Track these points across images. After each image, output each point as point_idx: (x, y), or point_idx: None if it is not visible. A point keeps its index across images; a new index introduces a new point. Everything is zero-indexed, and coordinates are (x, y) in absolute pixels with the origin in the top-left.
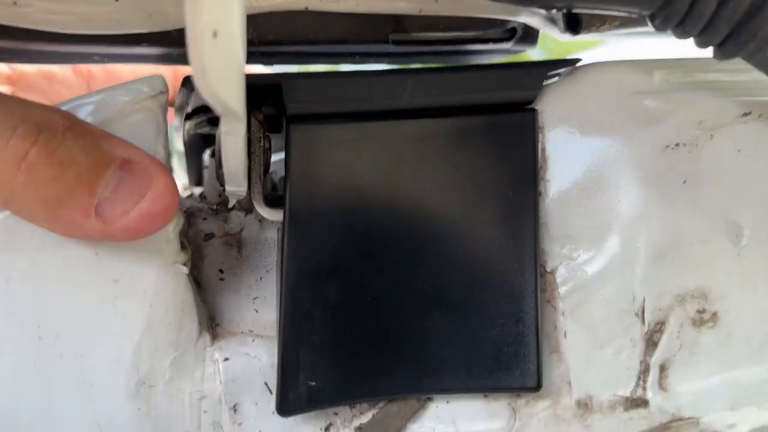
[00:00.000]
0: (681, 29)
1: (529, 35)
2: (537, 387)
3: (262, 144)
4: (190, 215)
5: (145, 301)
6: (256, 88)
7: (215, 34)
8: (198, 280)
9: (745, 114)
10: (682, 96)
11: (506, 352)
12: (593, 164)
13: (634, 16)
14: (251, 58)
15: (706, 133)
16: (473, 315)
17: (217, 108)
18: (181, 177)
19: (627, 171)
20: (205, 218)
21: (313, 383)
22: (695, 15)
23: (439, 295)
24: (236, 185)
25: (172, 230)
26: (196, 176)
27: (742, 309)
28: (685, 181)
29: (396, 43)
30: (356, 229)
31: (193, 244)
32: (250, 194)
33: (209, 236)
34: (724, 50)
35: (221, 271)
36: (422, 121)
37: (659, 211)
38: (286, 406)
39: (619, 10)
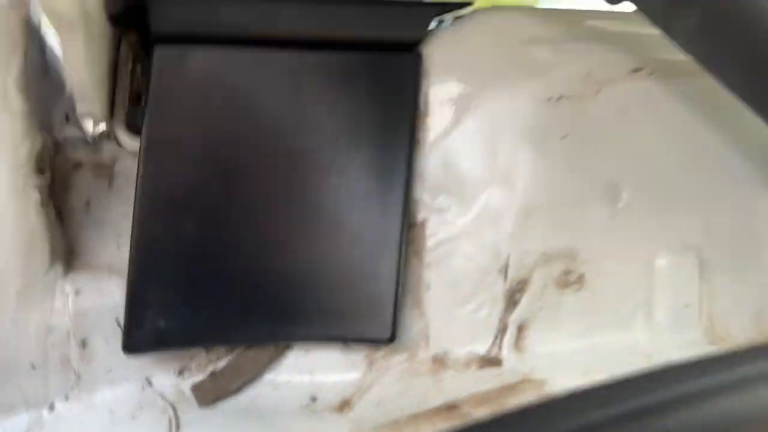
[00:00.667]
0: None
1: None
2: (390, 339)
3: (129, 66)
4: (59, 142)
5: None
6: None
7: None
8: (60, 210)
9: (636, 70)
10: (571, 47)
11: (363, 301)
12: (475, 115)
13: None
14: None
15: (593, 88)
16: (334, 262)
17: (48, 15)
18: None
19: (507, 123)
20: (75, 147)
21: (162, 323)
22: None
23: (301, 239)
24: (87, 105)
25: (25, 153)
26: None
27: (611, 274)
28: (564, 137)
29: None
30: (218, 162)
31: (59, 172)
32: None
33: (77, 165)
34: None
35: (88, 203)
36: (298, 53)
37: (535, 166)
38: (131, 344)
39: None
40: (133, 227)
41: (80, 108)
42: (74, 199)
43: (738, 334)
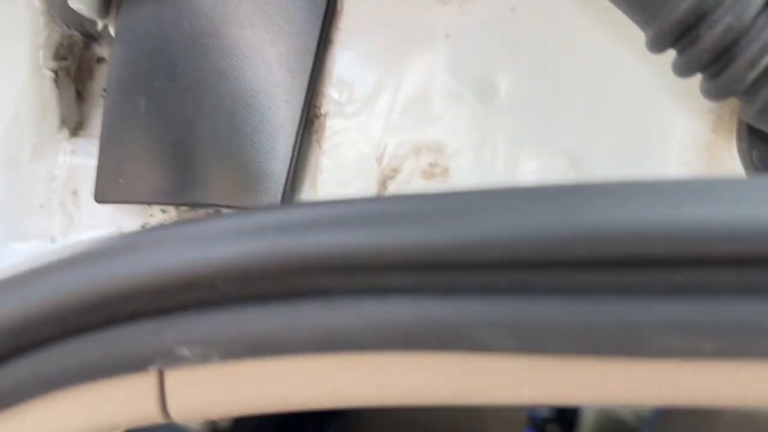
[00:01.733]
0: None
1: None
2: None
3: None
4: (89, 38)
5: (13, 93)
6: None
7: None
8: (80, 92)
9: None
10: None
11: (263, 178)
12: (380, 16)
13: None
14: None
15: None
16: (243, 142)
17: None
18: None
19: (401, 22)
20: (101, 45)
21: (122, 180)
22: None
23: (219, 120)
24: (82, 3)
25: (42, 41)
26: None
27: (474, 169)
28: (447, 35)
29: None
30: (166, 57)
31: (85, 62)
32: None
33: (101, 60)
34: None
35: (104, 89)
36: None
37: (417, 64)
38: (99, 196)
39: None
40: (104, 104)
41: (72, 3)
42: (93, 85)
43: None
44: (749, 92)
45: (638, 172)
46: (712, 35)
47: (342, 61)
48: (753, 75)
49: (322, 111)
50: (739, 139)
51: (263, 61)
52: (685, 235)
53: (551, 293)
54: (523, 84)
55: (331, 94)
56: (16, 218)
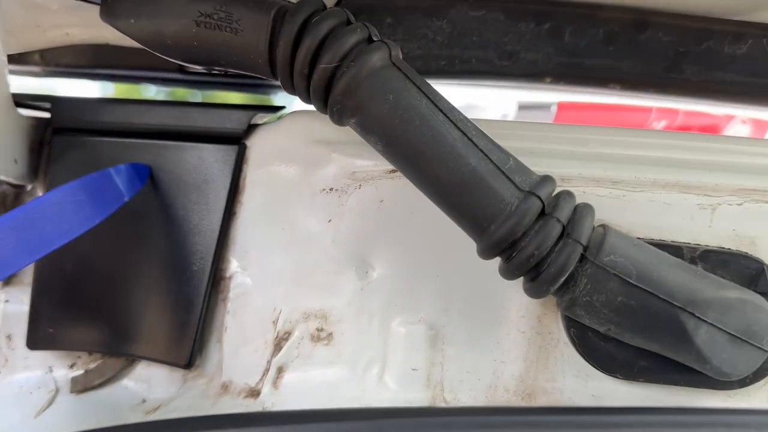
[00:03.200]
0: None
1: None
2: (188, 365)
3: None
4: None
5: None
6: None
7: None
8: None
9: (393, 171)
10: (344, 149)
11: (176, 334)
12: (275, 195)
13: None
14: (78, 76)
15: (356, 183)
16: (159, 300)
17: None
18: None
19: (294, 205)
20: (32, 196)
21: (51, 330)
22: (300, 90)
23: (137, 280)
24: (4, 174)
25: None
26: None
27: (353, 334)
28: (330, 220)
29: (183, 72)
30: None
31: None
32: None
33: None
34: (331, 116)
35: None
36: (154, 142)
37: (306, 241)
38: (31, 343)
39: None
40: (34, 266)
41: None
42: None
43: (467, 401)
44: (555, 295)
45: (484, 336)
46: (521, 258)
47: (243, 231)
48: (554, 287)
49: (227, 275)
50: (562, 317)
51: (178, 230)
52: None
53: None
54: (392, 264)
55: (234, 259)
56: None
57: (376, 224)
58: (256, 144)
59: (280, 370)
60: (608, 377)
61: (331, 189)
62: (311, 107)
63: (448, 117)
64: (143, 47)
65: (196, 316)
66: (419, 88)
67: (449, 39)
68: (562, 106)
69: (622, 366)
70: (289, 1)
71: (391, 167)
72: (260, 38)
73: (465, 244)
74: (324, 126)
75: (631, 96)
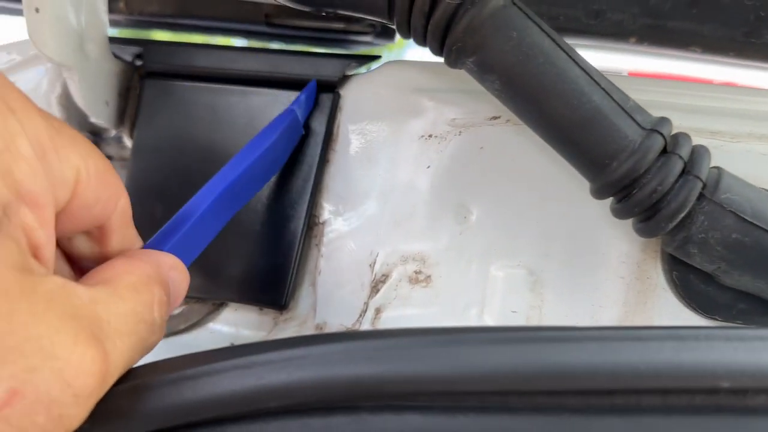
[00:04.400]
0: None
1: (388, 32)
2: (283, 307)
3: (138, 91)
4: (97, 136)
5: None
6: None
7: (37, 10)
8: None
9: (494, 117)
10: (443, 97)
11: (270, 276)
12: (369, 143)
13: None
14: (162, 26)
15: (456, 130)
16: (252, 244)
17: (47, 60)
18: None
19: (389, 152)
20: (109, 143)
21: None
22: (417, 30)
23: (232, 225)
24: (94, 118)
25: None
26: None
27: (451, 277)
28: (429, 167)
29: (270, 24)
30: (183, 164)
31: None
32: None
33: (109, 158)
34: (446, 57)
35: None
36: (248, 89)
37: (404, 187)
38: None
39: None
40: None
41: (91, 119)
42: None
43: None
44: (669, 234)
45: (583, 281)
46: (641, 195)
47: (337, 179)
48: (671, 225)
49: (321, 220)
50: (663, 260)
51: (276, 178)
52: (622, 374)
53: (526, 412)
54: (491, 209)
55: (328, 205)
56: None
57: (475, 170)
58: (350, 93)
59: (378, 311)
60: (704, 320)
61: (430, 136)
62: (405, 58)
63: (570, 56)
64: None
65: (291, 258)
66: (540, 27)
67: None
68: (633, 75)
69: (722, 308)
70: None
71: (491, 114)
72: None
73: (566, 190)
74: (420, 74)
75: (710, 59)
